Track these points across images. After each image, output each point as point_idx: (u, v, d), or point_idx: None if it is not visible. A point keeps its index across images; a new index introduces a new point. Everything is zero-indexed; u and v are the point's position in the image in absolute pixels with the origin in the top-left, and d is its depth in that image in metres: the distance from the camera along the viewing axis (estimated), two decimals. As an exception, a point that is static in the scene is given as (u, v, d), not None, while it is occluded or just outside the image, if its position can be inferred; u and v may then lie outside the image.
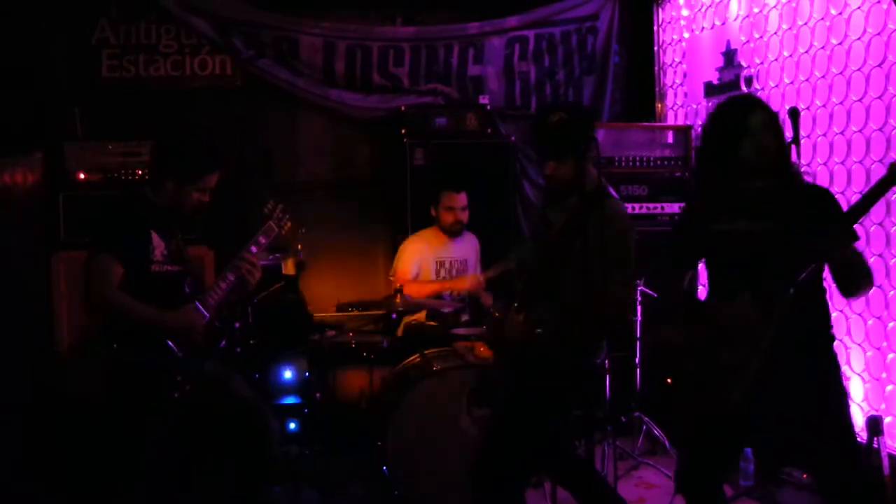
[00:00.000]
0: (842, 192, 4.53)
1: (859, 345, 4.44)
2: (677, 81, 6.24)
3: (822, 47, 4.72)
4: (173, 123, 5.59)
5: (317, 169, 6.24)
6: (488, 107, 5.94)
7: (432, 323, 4.95)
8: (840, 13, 4.57)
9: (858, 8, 4.45)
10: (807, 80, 4.84)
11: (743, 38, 5.41)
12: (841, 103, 4.57)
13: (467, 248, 5.18)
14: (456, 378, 4.12)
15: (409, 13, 6.26)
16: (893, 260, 4.27)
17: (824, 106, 4.70)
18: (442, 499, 4.08)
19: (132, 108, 5.71)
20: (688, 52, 6.06)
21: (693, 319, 2.99)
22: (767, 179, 2.84)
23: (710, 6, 5.77)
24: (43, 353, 4.83)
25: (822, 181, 4.59)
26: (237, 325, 4.48)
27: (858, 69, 4.46)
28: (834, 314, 3.93)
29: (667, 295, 5.04)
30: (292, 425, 5.08)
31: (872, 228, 4.34)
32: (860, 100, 4.46)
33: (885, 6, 4.28)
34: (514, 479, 3.35)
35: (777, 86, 5.10)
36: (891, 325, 4.29)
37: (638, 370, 5.06)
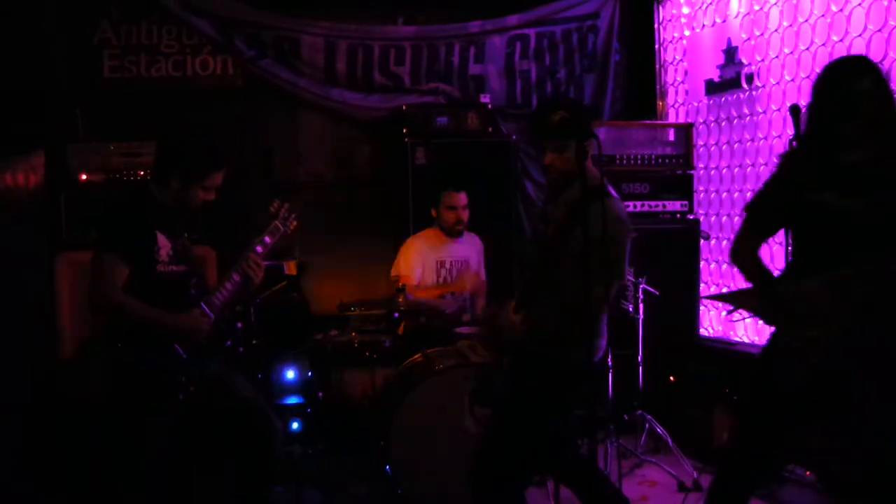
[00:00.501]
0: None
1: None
2: (678, 79, 6.24)
3: (823, 44, 4.71)
4: (175, 123, 5.59)
5: (318, 168, 6.24)
6: (489, 106, 5.94)
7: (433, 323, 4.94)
8: (841, 10, 4.57)
9: (859, 5, 4.45)
10: (808, 77, 4.83)
11: (744, 36, 5.41)
12: (842, 100, 4.56)
13: (468, 247, 5.18)
14: (458, 377, 4.12)
15: (409, 12, 6.26)
16: None
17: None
18: (444, 498, 4.07)
19: (134, 108, 5.71)
20: (689, 49, 6.05)
21: (762, 289, 2.84)
22: (872, 148, 2.66)
23: (710, 4, 5.77)
24: (45, 354, 4.83)
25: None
26: (239, 325, 4.48)
27: (859, 66, 4.45)
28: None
29: (668, 294, 5.08)
30: (295, 425, 5.08)
31: None
32: (861, 97, 4.45)
33: (885, 3, 4.28)
34: (514, 479, 3.34)
35: (778, 83, 5.10)
36: None
37: (640, 368, 5.06)
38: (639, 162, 5.66)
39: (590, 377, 3.34)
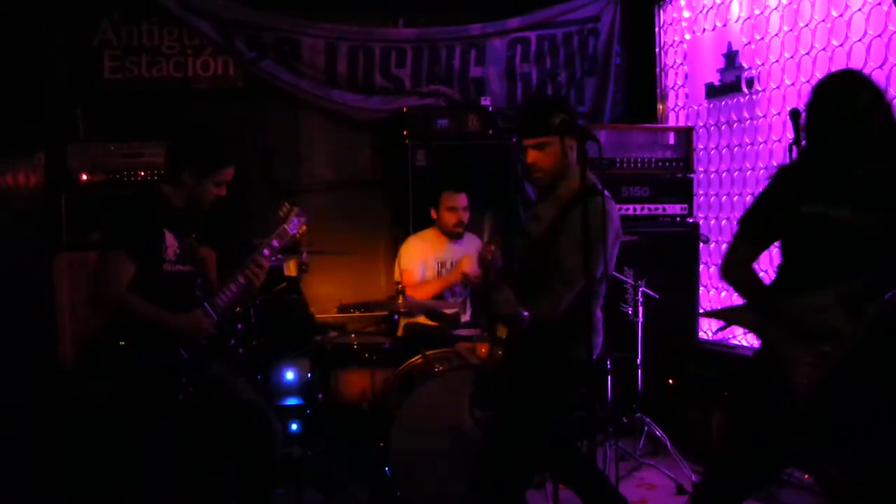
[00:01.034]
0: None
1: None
2: (678, 83, 6.25)
3: (823, 49, 4.72)
4: (175, 124, 5.58)
5: (318, 170, 6.24)
6: (490, 108, 5.94)
7: (433, 323, 4.95)
8: (841, 15, 4.59)
9: (859, 10, 4.46)
10: (808, 81, 4.85)
11: (744, 40, 5.42)
12: (842, 105, 4.57)
13: (468, 248, 5.18)
14: (457, 379, 4.12)
15: (410, 14, 6.26)
16: None
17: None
18: (444, 499, 4.08)
19: (134, 108, 5.71)
20: (689, 53, 6.07)
21: (758, 304, 2.80)
22: (872, 164, 2.64)
23: (711, 8, 5.78)
24: (44, 354, 4.83)
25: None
26: (239, 326, 4.49)
27: (859, 71, 4.47)
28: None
29: (668, 297, 5.08)
30: (294, 426, 5.08)
31: None
32: (861, 101, 4.46)
33: (885, 8, 4.30)
34: (515, 480, 3.35)
35: (778, 87, 5.11)
36: None
37: (640, 371, 5.06)
38: (639, 165, 5.67)
39: (589, 375, 3.35)
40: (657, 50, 6.42)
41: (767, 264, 3.92)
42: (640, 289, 4.91)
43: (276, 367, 5.21)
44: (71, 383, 4.67)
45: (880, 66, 4.33)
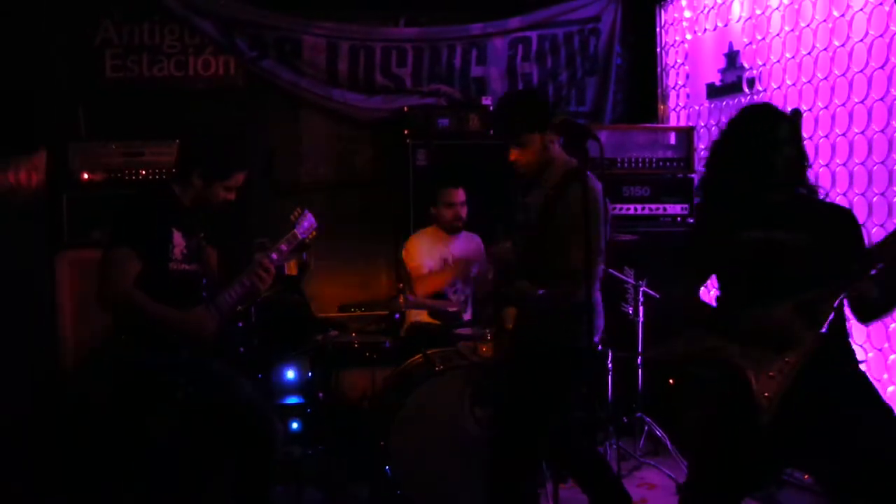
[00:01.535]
0: (843, 194, 4.55)
1: (860, 346, 4.45)
2: (680, 83, 6.25)
3: (825, 49, 4.72)
4: (177, 123, 5.59)
5: (319, 169, 6.24)
6: (491, 108, 5.94)
7: (435, 322, 4.95)
8: (842, 15, 4.58)
9: (861, 10, 4.46)
10: (809, 81, 4.85)
11: (745, 40, 5.42)
12: (843, 105, 4.58)
13: (469, 246, 5.18)
14: (458, 378, 4.13)
15: (411, 14, 6.27)
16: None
17: (826, 108, 4.71)
18: (444, 498, 4.09)
19: (135, 107, 5.72)
20: (690, 53, 6.07)
21: (714, 328, 2.87)
22: (790, 191, 2.81)
23: (712, 8, 5.78)
24: (45, 353, 4.83)
25: (824, 183, 4.60)
26: (240, 324, 4.49)
27: (861, 71, 4.47)
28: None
29: (669, 297, 5.08)
30: (295, 425, 5.08)
31: (874, 230, 4.35)
32: (862, 101, 4.47)
33: (887, 8, 4.29)
34: (527, 473, 3.37)
35: (779, 87, 5.11)
36: (892, 326, 4.30)
37: (640, 370, 5.06)
38: (640, 165, 5.67)
39: (592, 355, 3.38)
40: (658, 50, 6.42)
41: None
42: (641, 289, 4.91)
43: (277, 365, 5.22)
44: (71, 383, 4.67)
45: (882, 67, 4.33)
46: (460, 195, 5.04)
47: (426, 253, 5.07)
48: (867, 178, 4.43)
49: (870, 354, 4.41)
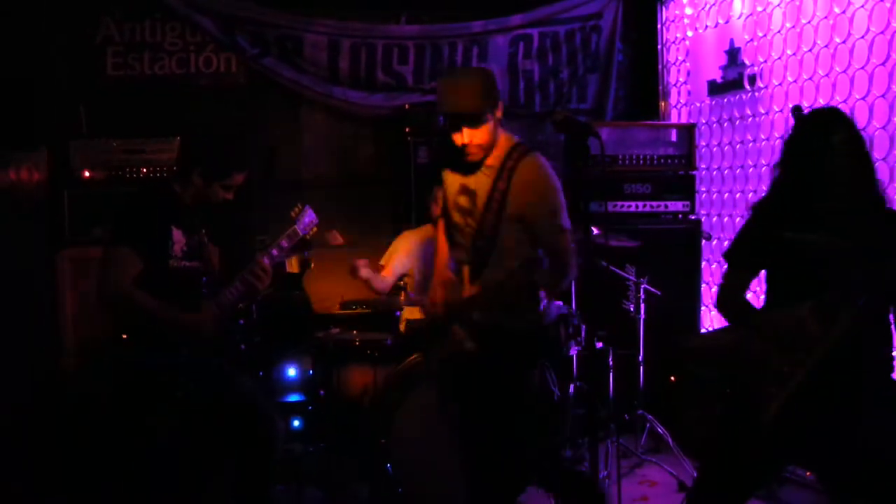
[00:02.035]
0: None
1: None
2: (681, 80, 6.24)
3: (826, 45, 4.72)
4: (178, 121, 5.59)
5: (320, 167, 6.24)
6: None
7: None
8: (843, 11, 4.58)
9: (862, 6, 4.45)
10: (810, 78, 4.84)
11: (746, 37, 5.41)
12: (844, 101, 4.57)
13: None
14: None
15: (413, 11, 6.26)
16: None
17: (828, 104, 4.70)
18: (445, 497, 4.08)
19: (137, 105, 5.72)
20: (691, 50, 6.06)
21: (745, 324, 2.88)
22: (848, 199, 2.76)
23: (713, 4, 5.77)
24: (46, 351, 4.83)
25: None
26: (241, 322, 4.49)
27: (862, 67, 4.46)
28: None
29: (670, 294, 5.08)
30: (296, 423, 5.08)
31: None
32: (863, 98, 4.46)
33: (888, 4, 4.28)
34: (511, 476, 3.35)
35: (780, 84, 5.10)
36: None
37: (641, 368, 5.06)
38: (641, 162, 5.66)
39: (545, 339, 3.33)
40: (659, 47, 6.41)
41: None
42: (642, 286, 4.91)
43: (278, 363, 5.22)
44: (71, 382, 4.67)
45: (883, 63, 4.33)
46: None
47: (405, 256, 5.03)
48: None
49: None
